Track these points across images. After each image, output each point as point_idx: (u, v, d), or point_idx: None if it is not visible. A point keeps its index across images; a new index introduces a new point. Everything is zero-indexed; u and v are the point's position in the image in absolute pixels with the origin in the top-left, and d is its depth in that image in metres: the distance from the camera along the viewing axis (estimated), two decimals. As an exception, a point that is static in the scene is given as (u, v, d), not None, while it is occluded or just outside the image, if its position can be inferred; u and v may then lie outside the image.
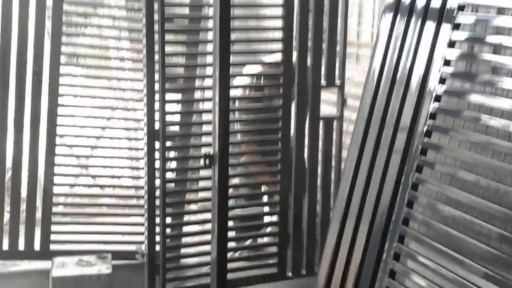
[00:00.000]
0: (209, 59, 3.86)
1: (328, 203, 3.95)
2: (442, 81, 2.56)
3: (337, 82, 3.87)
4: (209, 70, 3.92)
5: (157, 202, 3.70)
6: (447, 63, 2.56)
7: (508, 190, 2.26)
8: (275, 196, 3.88)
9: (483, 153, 2.41)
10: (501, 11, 2.45)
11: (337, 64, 3.85)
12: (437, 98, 2.57)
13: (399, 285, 2.64)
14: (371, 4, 4.41)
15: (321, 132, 3.87)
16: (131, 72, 4.23)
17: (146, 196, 3.76)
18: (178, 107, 3.94)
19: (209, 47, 3.86)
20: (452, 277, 2.41)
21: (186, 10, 4.02)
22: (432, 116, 2.58)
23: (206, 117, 3.87)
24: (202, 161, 3.69)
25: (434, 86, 2.59)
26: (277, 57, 3.75)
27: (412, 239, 2.63)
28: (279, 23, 3.75)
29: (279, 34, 3.75)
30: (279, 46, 3.74)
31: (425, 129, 2.59)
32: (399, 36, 2.78)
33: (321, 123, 3.86)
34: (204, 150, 3.80)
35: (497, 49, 2.47)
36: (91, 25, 4.21)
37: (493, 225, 2.29)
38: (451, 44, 2.56)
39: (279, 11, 3.74)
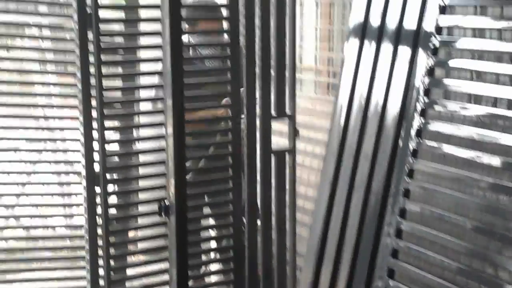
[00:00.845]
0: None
1: (283, 243, 3.68)
2: (422, 114, 2.33)
3: (288, 111, 3.61)
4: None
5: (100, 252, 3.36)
6: (426, 92, 2.33)
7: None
8: (228, 240, 3.58)
9: (467, 192, 2.20)
10: (482, 33, 2.25)
11: (286, 92, 3.59)
12: (418, 133, 2.33)
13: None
14: (312, 25, 4.18)
15: (273, 166, 3.60)
16: (59, 109, 3.89)
17: (87, 247, 3.39)
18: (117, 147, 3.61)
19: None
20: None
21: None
22: (414, 153, 2.34)
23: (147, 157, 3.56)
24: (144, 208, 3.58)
25: (413, 117, 2.35)
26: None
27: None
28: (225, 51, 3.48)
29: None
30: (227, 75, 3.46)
31: (405, 170, 2.35)
32: (368, 63, 2.53)
33: (272, 156, 3.59)
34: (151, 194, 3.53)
35: (479, 75, 2.26)
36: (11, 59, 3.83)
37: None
38: (430, 72, 2.33)
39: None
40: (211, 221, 3.80)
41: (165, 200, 2.56)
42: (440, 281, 2.24)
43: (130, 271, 3.56)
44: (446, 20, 2.32)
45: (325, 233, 2.65)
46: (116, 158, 3.53)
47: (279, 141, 3.66)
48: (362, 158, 2.52)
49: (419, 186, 2.34)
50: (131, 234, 3.71)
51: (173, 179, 2.54)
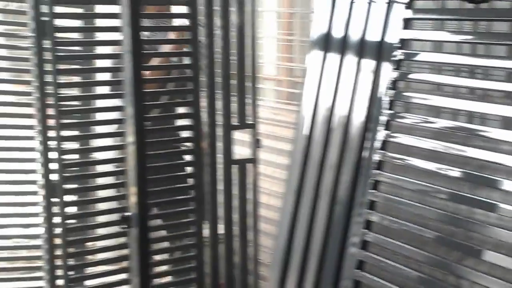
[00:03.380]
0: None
1: (246, 253, 3.67)
2: (387, 127, 2.34)
3: (249, 121, 3.60)
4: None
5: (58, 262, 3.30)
6: (390, 106, 2.35)
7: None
8: (191, 250, 3.54)
9: (429, 203, 2.23)
10: (443, 47, 2.28)
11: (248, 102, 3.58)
12: (383, 146, 2.35)
13: None
14: (273, 34, 4.18)
15: (235, 176, 3.58)
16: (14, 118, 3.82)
17: (46, 256, 3.32)
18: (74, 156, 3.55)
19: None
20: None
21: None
22: (379, 166, 2.35)
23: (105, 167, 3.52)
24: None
25: (377, 130, 2.36)
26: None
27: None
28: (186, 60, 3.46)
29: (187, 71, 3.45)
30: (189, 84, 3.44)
31: (369, 182, 2.36)
32: (332, 74, 2.54)
33: (234, 166, 3.57)
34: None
35: (440, 88, 2.29)
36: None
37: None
38: (393, 85, 2.35)
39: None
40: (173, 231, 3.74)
41: (126, 212, 2.53)
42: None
43: (88, 282, 3.50)
44: (409, 34, 2.35)
45: (290, 243, 2.65)
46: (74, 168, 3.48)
47: (240, 151, 3.65)
48: (327, 168, 2.53)
49: (383, 198, 2.35)
50: (89, 244, 3.65)
51: (135, 188, 2.51)
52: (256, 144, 3.60)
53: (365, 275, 2.37)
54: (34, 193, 3.65)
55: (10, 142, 3.80)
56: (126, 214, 2.52)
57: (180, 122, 3.68)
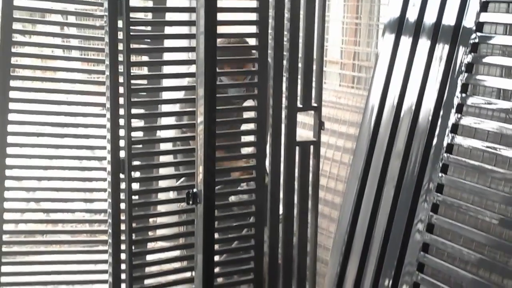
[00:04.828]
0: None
1: (305, 234, 3.69)
2: (459, 110, 2.33)
3: (314, 104, 3.61)
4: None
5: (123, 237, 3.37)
6: (464, 89, 2.33)
7: None
8: (250, 229, 3.58)
9: (495, 186, 2.21)
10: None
11: (313, 85, 3.59)
12: (454, 129, 2.33)
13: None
14: (339, 18, 4.17)
15: (297, 158, 3.60)
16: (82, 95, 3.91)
17: (110, 231, 3.39)
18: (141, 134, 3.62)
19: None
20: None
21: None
22: (449, 149, 2.35)
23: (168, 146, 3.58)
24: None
25: (449, 113, 2.35)
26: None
27: (426, 285, 2.38)
28: (252, 41, 3.47)
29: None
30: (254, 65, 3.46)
31: (440, 164, 2.35)
32: (404, 59, 2.53)
33: (297, 148, 3.59)
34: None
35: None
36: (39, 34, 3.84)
37: None
38: (469, 68, 2.33)
39: (253, 28, 3.46)
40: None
41: (193, 189, 2.57)
42: (469, 275, 2.25)
43: (150, 257, 3.57)
44: (486, 17, 2.32)
45: (353, 227, 2.66)
46: (140, 145, 3.55)
47: (303, 133, 3.67)
48: (394, 154, 2.53)
49: (452, 181, 2.35)
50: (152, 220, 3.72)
51: (202, 167, 2.55)
52: (319, 126, 3.61)
53: (430, 257, 2.37)
54: (98, 169, 3.74)
55: (79, 118, 3.88)
56: (193, 190, 2.57)
57: (245, 104, 3.70)
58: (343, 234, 2.67)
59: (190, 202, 2.59)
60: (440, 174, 2.35)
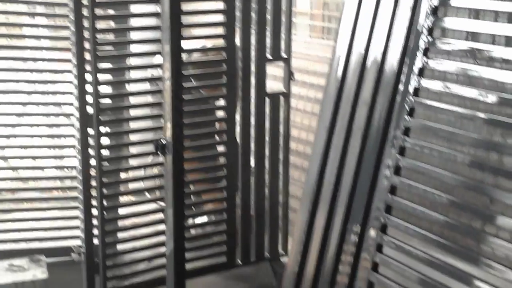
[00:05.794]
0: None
1: (276, 185, 3.71)
2: (425, 53, 2.33)
3: (283, 54, 3.59)
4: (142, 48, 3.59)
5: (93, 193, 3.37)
6: (430, 33, 2.32)
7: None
8: (222, 181, 3.59)
9: (464, 128, 2.23)
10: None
11: (282, 36, 3.57)
12: (420, 73, 2.33)
13: (381, 277, 2.43)
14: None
15: (267, 110, 3.60)
16: (48, 52, 3.85)
17: (81, 187, 3.38)
18: (109, 89, 3.58)
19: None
20: (439, 264, 2.22)
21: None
22: (415, 92, 2.35)
23: (139, 99, 3.55)
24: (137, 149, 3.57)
25: (415, 57, 2.35)
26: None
27: (394, 227, 2.41)
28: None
29: (220, 5, 3.43)
30: (221, 18, 3.42)
31: (407, 108, 2.36)
32: (370, 6, 2.52)
33: (267, 100, 3.59)
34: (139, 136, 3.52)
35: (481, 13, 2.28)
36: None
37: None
38: (434, 12, 2.32)
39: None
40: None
41: (162, 139, 2.57)
42: (438, 216, 2.27)
43: (122, 211, 3.57)
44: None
45: (321, 176, 2.66)
46: (108, 100, 3.52)
47: (273, 85, 3.66)
48: (361, 102, 2.53)
49: (419, 124, 2.36)
50: (122, 175, 3.71)
51: (170, 121, 2.54)
52: (289, 77, 3.61)
53: (397, 199, 2.39)
54: (67, 125, 3.71)
55: (47, 75, 3.83)
56: (161, 140, 2.56)
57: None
58: (312, 183, 2.68)
59: (159, 153, 2.58)
60: (407, 118, 2.36)
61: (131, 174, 3.73)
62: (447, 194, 2.24)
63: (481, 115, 2.17)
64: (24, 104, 3.84)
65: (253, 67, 3.51)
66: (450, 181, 2.24)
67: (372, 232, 2.45)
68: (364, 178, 2.49)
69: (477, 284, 2.11)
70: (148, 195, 3.61)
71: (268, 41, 3.51)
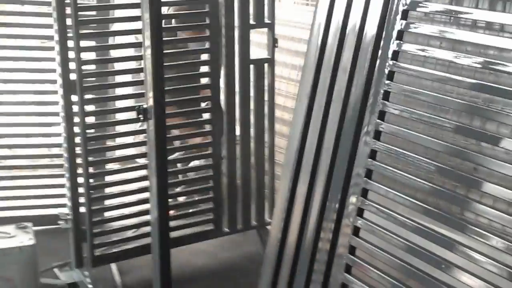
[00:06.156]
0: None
1: (262, 153, 3.71)
2: (404, 17, 2.31)
3: (267, 20, 3.57)
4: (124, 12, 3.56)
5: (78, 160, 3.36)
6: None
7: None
8: (208, 149, 3.59)
9: (447, 91, 2.22)
10: None
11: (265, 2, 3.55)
12: (399, 36, 2.32)
13: (362, 242, 2.45)
14: None
15: (252, 77, 3.59)
16: (31, 17, 3.83)
17: (66, 155, 3.37)
18: (92, 56, 3.56)
19: None
20: (420, 228, 2.24)
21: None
22: (394, 56, 2.34)
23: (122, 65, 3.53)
24: (123, 115, 3.56)
25: (395, 21, 2.33)
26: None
27: (374, 192, 2.41)
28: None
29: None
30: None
31: (386, 72, 2.35)
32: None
33: (251, 67, 3.58)
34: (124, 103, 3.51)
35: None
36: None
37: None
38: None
39: None
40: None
41: (143, 104, 2.56)
42: (418, 180, 2.27)
43: (108, 178, 3.58)
44: None
45: (303, 143, 2.66)
46: (93, 66, 3.51)
47: (257, 52, 3.64)
48: (341, 69, 2.51)
49: (398, 88, 2.35)
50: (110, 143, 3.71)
51: (151, 87, 2.54)
52: (273, 43, 3.59)
53: (377, 164, 2.39)
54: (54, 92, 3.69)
55: (29, 41, 3.82)
56: (143, 106, 2.56)
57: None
58: (293, 150, 2.68)
59: (141, 117, 2.57)
60: (386, 81, 2.35)
61: (118, 141, 3.73)
62: (428, 159, 2.24)
63: (463, 79, 2.15)
64: (10, 70, 3.83)
65: (236, 33, 3.49)
66: (431, 146, 2.24)
67: (353, 198, 2.46)
68: (345, 144, 2.49)
69: (459, 249, 2.11)
70: (139, 162, 3.58)
71: (251, 7, 3.48)
